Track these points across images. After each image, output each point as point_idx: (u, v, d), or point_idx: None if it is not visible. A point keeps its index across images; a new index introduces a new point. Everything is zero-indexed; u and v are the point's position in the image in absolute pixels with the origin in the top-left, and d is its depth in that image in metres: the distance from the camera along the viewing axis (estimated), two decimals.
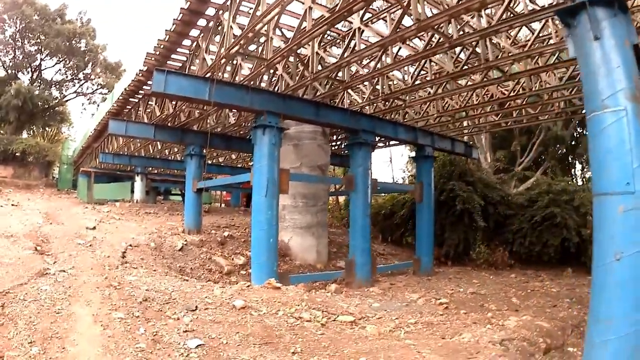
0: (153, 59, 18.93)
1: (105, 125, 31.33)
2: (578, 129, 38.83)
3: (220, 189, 46.65)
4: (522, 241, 24.92)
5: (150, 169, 44.74)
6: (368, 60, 19.26)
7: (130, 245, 18.62)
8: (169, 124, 25.34)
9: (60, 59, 66.44)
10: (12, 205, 30.09)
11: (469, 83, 19.67)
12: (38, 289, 11.51)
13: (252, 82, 17.71)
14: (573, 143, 40.31)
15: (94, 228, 21.84)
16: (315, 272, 20.21)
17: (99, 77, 70.55)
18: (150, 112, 26.08)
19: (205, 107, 21.48)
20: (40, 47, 63.93)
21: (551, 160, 39.98)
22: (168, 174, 50.03)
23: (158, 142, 34.42)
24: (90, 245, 17.92)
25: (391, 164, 61.13)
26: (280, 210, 18.85)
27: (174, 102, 22.61)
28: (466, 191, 25.54)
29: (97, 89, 72.56)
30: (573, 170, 45.50)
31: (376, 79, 19.20)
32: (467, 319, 12.63)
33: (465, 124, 27.11)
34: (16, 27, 61.23)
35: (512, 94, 19.79)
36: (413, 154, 48.74)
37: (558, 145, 39.46)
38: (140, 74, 21.17)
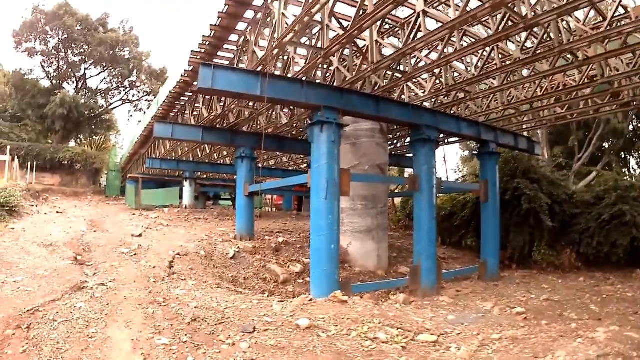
0: (198, 57, 17.69)
1: (151, 131, 29.70)
2: (634, 122, 36.73)
3: (273, 193, 44.67)
4: (589, 241, 22.24)
5: (199, 173, 43.97)
6: (428, 51, 18.11)
7: (179, 254, 17.44)
8: (218, 126, 24.00)
9: (105, 68, 66.53)
10: (57, 212, 29.36)
11: (532, 73, 17.95)
12: (72, 307, 10.15)
13: (305, 77, 16.44)
14: (629, 136, 38.39)
15: (140, 235, 20.79)
16: (378, 280, 18.49)
17: (144, 84, 70.81)
18: (197, 115, 24.71)
19: (255, 106, 20.57)
20: (84, 57, 64.03)
21: (610, 155, 37.80)
22: (217, 179, 48.79)
23: (206, 146, 32.63)
24: (134, 255, 16.84)
25: (445, 163, 59.08)
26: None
27: (222, 102, 21.04)
28: (532, 189, 23.38)
29: (143, 96, 73.13)
30: (629, 165, 43.15)
31: (439, 69, 17.94)
32: (551, 332, 11.08)
33: (524, 117, 25.23)
34: (59, 38, 61.54)
35: (581, 82, 18.05)
36: (466, 152, 47.66)
37: (617, 139, 37.36)
38: (186, 75, 20.15)
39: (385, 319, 10.90)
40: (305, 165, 41.18)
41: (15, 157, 43.85)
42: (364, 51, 15.69)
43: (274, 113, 22.87)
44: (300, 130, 26.18)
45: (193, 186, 40.37)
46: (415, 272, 16.89)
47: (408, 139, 28.75)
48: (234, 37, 17.37)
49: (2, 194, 23.49)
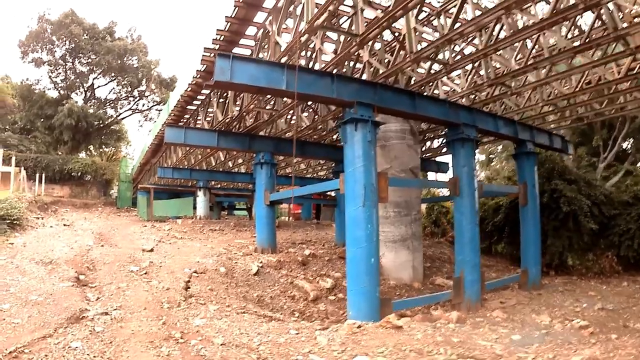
0: (212, 55, 16.08)
1: (162, 139, 28.78)
2: None
3: (296, 202, 41.97)
4: (629, 244, 21.14)
5: (213, 182, 42.04)
6: (471, 38, 16.73)
7: (196, 272, 15.36)
8: (234, 130, 22.56)
9: (113, 77, 65.47)
10: (64, 225, 27.47)
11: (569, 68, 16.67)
12: (65, 347, 8.06)
13: (335, 70, 15.08)
14: None
15: (152, 250, 18.67)
16: (416, 294, 17.09)
17: (153, 93, 69.80)
18: (211, 119, 23.21)
19: (275, 106, 19.05)
20: (91, 67, 63.22)
21: (637, 153, 35.78)
22: (232, 188, 47.64)
23: (221, 153, 31.54)
24: (145, 273, 14.72)
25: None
26: None
27: (238, 103, 19.75)
28: (571, 191, 21.94)
29: (152, 106, 72.50)
30: None
31: (478, 62, 16.59)
32: (627, 347, 9.63)
33: (559, 114, 23.30)
34: (66, 48, 60.59)
35: (623, 75, 16.57)
36: (482, 156, 46.00)
37: None
38: (198, 76, 18.87)
39: (451, 347, 9.05)
40: (325, 172, 40.39)
41: (22, 168, 42.46)
42: (400, 40, 14.38)
43: (294, 116, 21.48)
44: (323, 133, 24.26)
45: (207, 196, 38.29)
46: (458, 284, 15.49)
47: (434, 142, 28.49)
48: (251, 31, 16.13)
49: (3, 206, 21.57)
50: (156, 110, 70.03)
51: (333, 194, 27.97)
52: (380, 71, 15.17)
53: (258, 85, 12.50)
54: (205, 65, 17.28)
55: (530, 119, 22.22)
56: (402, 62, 14.16)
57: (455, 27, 12.16)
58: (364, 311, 12.05)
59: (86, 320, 9.55)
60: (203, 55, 16.40)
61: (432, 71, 16.86)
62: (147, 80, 66.09)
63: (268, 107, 19.78)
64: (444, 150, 28.86)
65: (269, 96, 19.37)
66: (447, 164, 30.01)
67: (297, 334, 9.95)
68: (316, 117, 20.65)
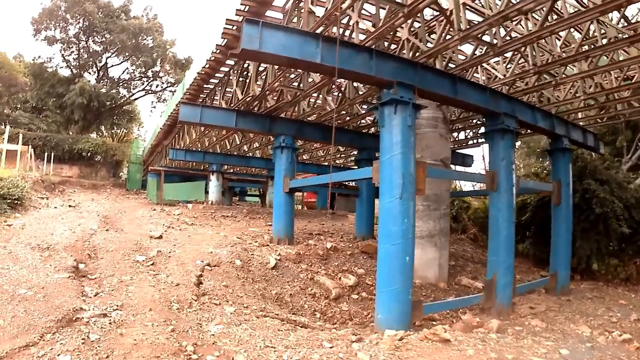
0: (234, 27, 14.59)
1: (175, 119, 27.12)
2: None
3: (315, 189, 40.19)
4: None
5: (225, 167, 40.65)
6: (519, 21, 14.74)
7: (209, 265, 13.74)
8: (254, 111, 20.65)
9: (127, 57, 63.99)
10: (70, 206, 26.08)
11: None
12: None
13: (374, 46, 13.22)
14: None
15: (160, 237, 17.14)
16: (444, 296, 15.77)
17: (168, 75, 68.41)
18: (229, 99, 21.58)
19: (301, 84, 17.66)
20: (105, 46, 62.01)
21: None
22: (245, 173, 45.63)
23: (236, 136, 30.00)
24: (152, 264, 13.18)
25: (484, 162, 56.31)
26: None
27: (260, 82, 18.12)
28: (604, 192, 20.58)
29: (166, 87, 70.56)
30: None
31: (524, 47, 14.78)
32: None
33: (594, 110, 22.37)
34: (79, 26, 59.30)
35: None
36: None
37: None
38: (218, 51, 17.23)
39: None
40: (343, 160, 39.95)
41: (30, 147, 41.61)
42: (448, 15, 12.75)
43: (320, 97, 19.94)
44: (347, 119, 22.89)
45: (220, 180, 36.85)
46: (489, 287, 14.14)
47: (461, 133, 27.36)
48: (279, 1, 14.88)
49: (3, 184, 20.13)
50: (170, 91, 68.46)
51: (352, 183, 26.57)
52: (423, 49, 13.68)
53: (290, 57, 10.97)
54: (226, 40, 15.64)
55: (565, 114, 21.19)
56: (448, 41, 12.69)
57: (512, 4, 10.62)
58: (395, 314, 10.91)
59: (80, 323, 7.99)
60: (224, 28, 14.82)
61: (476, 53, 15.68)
62: (162, 61, 64.58)
63: (292, 87, 18.45)
64: (470, 142, 27.99)
65: (292, 75, 18.40)
66: (472, 156, 29.10)
67: (331, 347, 8.52)
68: (344, 100, 19.01)
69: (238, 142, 31.22)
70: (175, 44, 69.67)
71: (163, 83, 69.79)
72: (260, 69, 17.89)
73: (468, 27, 11.92)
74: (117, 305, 9.25)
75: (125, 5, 61.15)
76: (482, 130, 18.99)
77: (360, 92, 18.12)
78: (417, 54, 14.12)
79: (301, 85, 17.79)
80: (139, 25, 59.69)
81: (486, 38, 14.41)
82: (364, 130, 23.95)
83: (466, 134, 27.93)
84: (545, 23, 11.97)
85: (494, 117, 14.84)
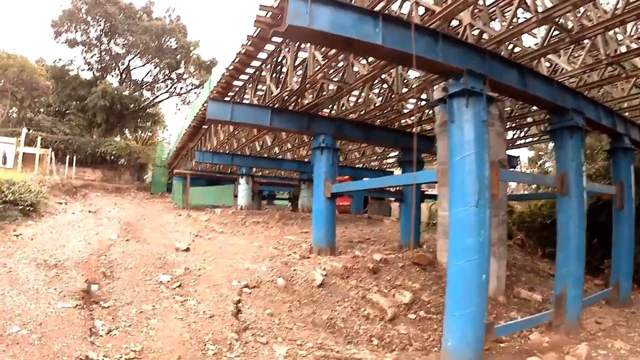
0: (267, 14, 13.01)
1: (201, 120, 26.83)
2: None
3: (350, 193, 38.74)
4: None
5: (254, 170, 37.66)
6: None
7: (247, 286, 11.62)
8: (290, 108, 18.92)
9: (150, 59, 62.96)
10: (89, 212, 24.59)
11: None
12: None
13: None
14: None
15: (188, 249, 15.16)
16: (505, 310, 13.90)
17: (192, 77, 66.90)
18: (261, 97, 19.92)
19: (345, 77, 15.64)
20: (127, 48, 61.00)
21: None
22: (273, 176, 43.99)
23: (267, 137, 28.16)
24: (179, 286, 11.10)
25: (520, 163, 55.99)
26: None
27: (301, 71, 16.64)
28: None
29: (191, 89, 68.99)
30: None
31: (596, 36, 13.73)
32: None
33: None
34: (100, 28, 58.34)
35: None
36: (532, 152, 43.75)
37: None
38: (249, 42, 15.76)
39: None
40: (378, 162, 38.73)
41: (50, 150, 40.71)
42: None
43: (363, 93, 18.13)
44: (392, 117, 20.97)
45: (250, 184, 34.71)
46: (559, 302, 12.59)
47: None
48: None
49: (13, 189, 18.28)
50: (195, 93, 64.95)
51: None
52: (492, 34, 12.38)
53: (345, 36, 9.26)
54: (258, 29, 14.29)
55: (624, 111, 19.81)
56: (523, 24, 11.69)
57: None
58: (468, 341, 9.36)
59: None
60: (257, 16, 13.20)
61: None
62: (186, 62, 63.27)
63: (334, 81, 16.67)
64: (518, 142, 26.30)
65: (331, 71, 16.34)
66: (517, 157, 27.65)
67: None
68: (391, 95, 17.12)
69: (269, 144, 29.40)
70: (199, 46, 68.71)
71: (187, 85, 68.77)
72: (297, 61, 16.32)
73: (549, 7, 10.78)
74: (136, 351, 7.27)
75: (147, 6, 60.34)
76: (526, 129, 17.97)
77: (412, 85, 16.37)
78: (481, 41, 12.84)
79: (345, 77, 15.84)
80: (162, 26, 58.69)
81: None
82: (408, 130, 21.93)
83: (514, 134, 26.22)
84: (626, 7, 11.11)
85: (561, 114, 13.31)
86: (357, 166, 38.55)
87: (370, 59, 14.90)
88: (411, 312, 12.80)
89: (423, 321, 12.15)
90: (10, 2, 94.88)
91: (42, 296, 9.06)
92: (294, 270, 13.64)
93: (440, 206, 16.35)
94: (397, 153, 32.27)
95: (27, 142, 40.25)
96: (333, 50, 12.85)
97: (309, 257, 15.79)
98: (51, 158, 38.28)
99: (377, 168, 39.42)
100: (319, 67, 14.68)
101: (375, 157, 36.03)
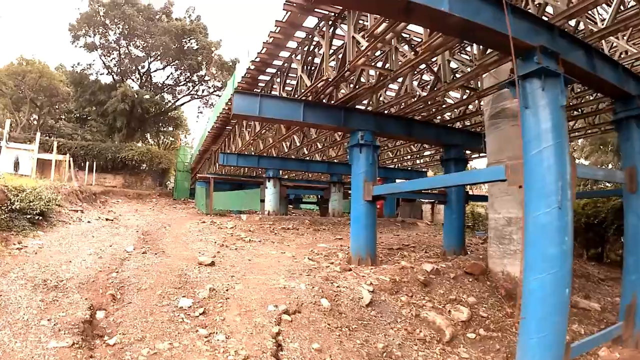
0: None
1: (225, 120, 26.02)
2: None
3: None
4: None
5: (280, 172, 35.46)
6: None
7: (286, 312, 9.54)
8: (325, 101, 17.11)
9: (171, 61, 61.84)
10: (107, 219, 22.71)
11: None
12: None
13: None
14: None
15: (212, 264, 13.09)
16: (572, 326, 12.24)
17: (214, 79, 65.42)
18: (290, 92, 18.79)
19: (388, 62, 13.95)
20: (147, 51, 59.95)
21: None
22: (300, 179, 42.96)
23: (295, 137, 26.77)
24: (202, 313, 9.10)
25: None
26: (503, 226, 13.85)
27: (334, 62, 15.38)
28: None
29: (213, 91, 67.54)
30: None
31: None
32: None
33: None
34: (119, 30, 57.35)
35: None
36: None
37: None
38: (277, 29, 14.89)
39: None
40: (411, 161, 37.54)
41: (68, 155, 39.30)
42: None
43: (405, 82, 16.16)
44: (435, 110, 19.23)
45: (278, 187, 32.26)
46: (629, 313, 11.39)
47: None
48: None
49: (21, 197, 16.64)
50: (217, 95, 64.60)
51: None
52: (557, 9, 10.67)
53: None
54: (288, 13, 13.34)
55: None
56: None
57: None
58: None
59: None
60: (285, 2, 12.63)
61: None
62: (208, 64, 61.81)
63: (377, 68, 14.88)
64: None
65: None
66: None
67: None
68: (438, 84, 15.18)
69: (298, 144, 27.66)
70: (221, 46, 67.47)
71: (209, 87, 67.47)
72: (331, 50, 14.87)
73: None
74: None
75: (166, 7, 59.17)
76: None
77: (464, 71, 14.52)
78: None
79: (387, 64, 14.06)
80: (182, 27, 57.53)
81: None
82: (451, 125, 20.51)
83: None
84: None
85: (626, 101, 12.05)
86: (389, 166, 36.85)
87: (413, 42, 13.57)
88: (470, 330, 11.40)
89: (484, 341, 10.83)
90: (28, 7, 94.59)
91: (32, 331, 7.33)
92: (337, 287, 11.77)
93: (492, 208, 14.91)
94: (430, 152, 30.79)
95: (47, 149, 39.32)
96: (381, 27, 11.06)
97: (350, 270, 13.94)
98: (70, 164, 37.12)
99: (410, 168, 38.03)
100: (357, 51, 12.79)
101: (409, 157, 34.35)
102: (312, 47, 15.62)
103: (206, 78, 65.57)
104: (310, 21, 14.60)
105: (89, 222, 20.71)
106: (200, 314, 9.01)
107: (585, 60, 10.22)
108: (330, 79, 14.53)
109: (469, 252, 17.68)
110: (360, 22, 13.33)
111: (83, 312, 8.39)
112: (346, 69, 13.73)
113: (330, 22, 14.07)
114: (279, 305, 9.65)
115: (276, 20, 14.21)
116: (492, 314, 11.76)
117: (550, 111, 8.52)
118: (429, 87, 16.46)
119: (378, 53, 15.24)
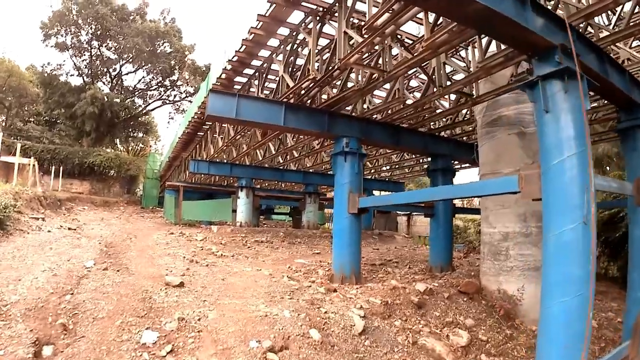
0: None
1: (196, 126, 25.24)
2: None
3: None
4: None
5: (253, 181, 34.03)
6: None
7: (272, 349, 8.10)
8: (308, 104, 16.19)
9: (143, 64, 60.77)
10: (69, 229, 21.33)
11: None
12: None
13: None
14: None
15: (182, 284, 11.74)
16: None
17: (187, 84, 64.24)
18: (268, 95, 17.85)
19: (381, 61, 13.23)
20: (119, 52, 58.72)
21: None
22: (272, 189, 42.06)
23: (270, 145, 25.57)
24: (170, 352, 7.69)
25: None
26: (499, 241, 13.40)
27: (318, 62, 13.93)
28: None
29: (185, 97, 66.57)
30: None
31: None
32: None
33: None
34: (91, 30, 56.10)
35: None
36: None
37: None
38: (259, 25, 14.07)
39: None
40: (390, 171, 36.25)
41: (33, 159, 37.46)
42: None
43: (394, 89, 15.36)
44: (424, 117, 18.20)
45: (251, 197, 31.27)
46: (635, 332, 10.78)
47: None
48: None
49: None
50: (188, 101, 63.52)
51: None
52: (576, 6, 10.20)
53: None
54: (273, 5, 12.70)
55: None
56: None
57: None
58: None
59: None
60: None
61: None
62: (180, 68, 61.14)
63: (372, 67, 13.71)
64: None
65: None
66: None
67: None
68: (431, 89, 14.28)
69: (273, 152, 26.26)
70: (195, 50, 66.93)
71: (181, 93, 66.70)
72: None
73: None
74: None
75: (140, 8, 57.91)
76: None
77: (459, 76, 14.07)
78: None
79: (380, 65, 13.29)
80: (156, 29, 56.49)
81: None
82: (439, 134, 19.82)
83: None
84: None
85: (631, 110, 11.84)
86: (367, 177, 35.08)
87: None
88: (471, 356, 10.67)
89: None
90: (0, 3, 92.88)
91: None
92: (325, 312, 10.55)
93: (486, 222, 14.21)
94: (410, 164, 30.06)
95: (12, 151, 38.03)
96: (383, 18, 10.01)
97: (335, 290, 12.91)
98: (34, 168, 35.71)
99: (387, 179, 37.52)
100: (350, 48, 11.87)
101: (388, 167, 33.36)
102: (295, 45, 14.64)
103: (178, 83, 64.75)
104: (295, 17, 13.71)
105: (49, 231, 19.24)
106: (167, 353, 7.62)
107: (598, 64, 9.74)
108: (317, 79, 13.51)
109: (460, 269, 16.77)
110: (352, 18, 12.13)
111: (25, 349, 7.05)
112: (336, 67, 12.57)
113: (318, 18, 13.13)
114: (263, 341, 8.30)
115: (258, 15, 13.46)
116: (492, 337, 11.13)
117: (573, 116, 7.96)
118: (418, 92, 15.66)
119: (366, 56, 13.91)
